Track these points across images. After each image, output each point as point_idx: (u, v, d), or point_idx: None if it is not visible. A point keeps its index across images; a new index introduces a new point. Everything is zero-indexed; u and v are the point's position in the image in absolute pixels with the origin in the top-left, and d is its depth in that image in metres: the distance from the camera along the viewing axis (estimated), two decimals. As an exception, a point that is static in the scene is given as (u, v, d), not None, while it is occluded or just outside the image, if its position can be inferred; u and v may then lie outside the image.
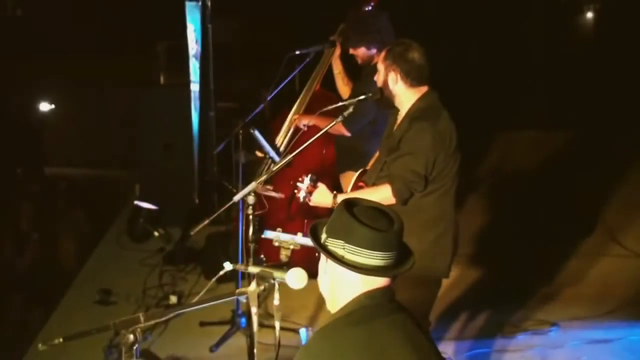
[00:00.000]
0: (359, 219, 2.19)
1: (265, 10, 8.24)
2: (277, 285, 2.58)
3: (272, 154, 4.56)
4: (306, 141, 3.74)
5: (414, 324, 2.25)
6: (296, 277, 2.53)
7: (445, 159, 3.55)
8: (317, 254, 2.34)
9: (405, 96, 3.66)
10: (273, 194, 4.39)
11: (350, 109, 3.73)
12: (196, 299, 2.95)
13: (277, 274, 2.57)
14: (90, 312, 5.25)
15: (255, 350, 3.15)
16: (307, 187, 3.70)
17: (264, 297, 4.21)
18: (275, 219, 5.12)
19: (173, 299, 5.32)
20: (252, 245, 3.96)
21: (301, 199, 3.73)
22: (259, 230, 3.82)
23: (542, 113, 8.65)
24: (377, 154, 3.96)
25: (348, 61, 5.07)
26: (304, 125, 4.82)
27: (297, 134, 4.73)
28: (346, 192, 4.11)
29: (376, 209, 2.26)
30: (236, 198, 3.82)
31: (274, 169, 3.85)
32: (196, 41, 6.79)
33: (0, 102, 8.09)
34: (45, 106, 8.65)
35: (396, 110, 3.74)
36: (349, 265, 2.18)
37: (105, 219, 7.05)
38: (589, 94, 8.34)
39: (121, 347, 2.51)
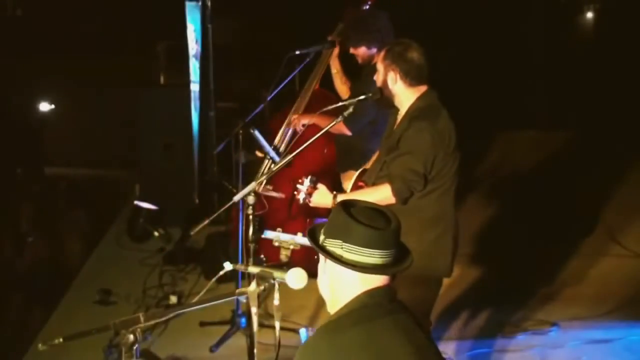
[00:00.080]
0: (356, 219, 2.19)
1: (265, 10, 8.24)
2: (277, 285, 2.58)
3: (272, 154, 4.56)
4: (306, 141, 3.74)
5: (415, 323, 2.25)
6: (296, 277, 2.53)
7: (445, 158, 3.56)
8: (316, 256, 2.34)
9: (405, 96, 3.67)
10: (274, 194, 4.39)
11: (351, 109, 3.73)
12: (196, 299, 2.95)
13: (277, 274, 2.57)
14: (90, 312, 5.25)
15: (255, 350, 3.15)
16: (307, 189, 3.70)
17: (264, 297, 4.20)
18: (275, 219, 5.12)
19: (173, 299, 5.32)
20: (252, 245, 3.96)
21: (301, 201, 3.73)
22: (259, 230, 3.82)
23: (542, 113, 8.66)
24: (376, 154, 3.96)
25: (345, 60, 5.07)
26: (303, 125, 4.82)
27: (296, 134, 4.73)
28: (347, 191, 4.12)
29: (373, 209, 2.27)
30: (236, 198, 3.82)
31: (274, 169, 3.86)
32: (196, 41, 6.79)
33: (0, 102, 8.09)
34: (45, 106, 8.64)
35: (396, 110, 3.75)
36: (347, 264, 2.19)
37: (105, 219, 7.05)
38: (589, 94, 8.34)
39: (121, 347, 2.51)
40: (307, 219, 5.30)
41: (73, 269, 6.03)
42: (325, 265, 2.27)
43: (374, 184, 3.69)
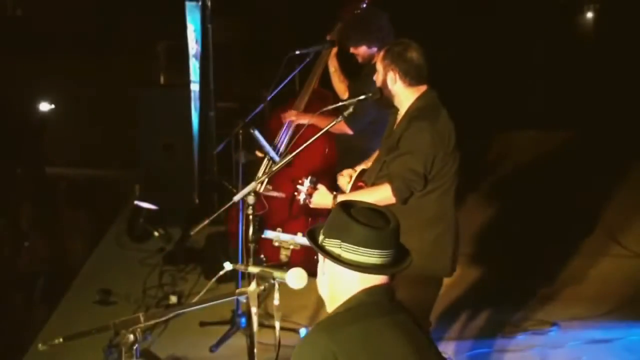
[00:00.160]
0: (355, 219, 2.19)
1: (265, 10, 8.23)
2: (277, 285, 2.58)
3: (272, 154, 4.56)
4: (306, 141, 3.74)
5: (415, 323, 2.25)
6: (296, 277, 2.53)
7: (444, 158, 3.56)
8: (315, 256, 2.34)
9: (404, 95, 3.67)
10: (275, 193, 4.39)
11: (351, 109, 3.74)
12: (196, 299, 2.95)
13: (277, 274, 2.57)
14: (90, 312, 5.25)
15: (255, 350, 3.16)
16: (307, 189, 3.71)
17: (264, 297, 4.19)
18: (275, 219, 5.12)
19: (173, 299, 5.31)
20: (252, 245, 3.96)
21: (301, 201, 3.74)
22: (259, 230, 3.82)
23: (542, 113, 8.65)
24: (376, 154, 3.96)
25: (343, 59, 5.08)
26: (292, 121, 4.82)
27: (296, 133, 4.74)
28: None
29: (373, 209, 2.27)
30: (236, 198, 3.82)
31: (275, 169, 3.86)
32: (196, 41, 6.78)
33: (0, 102, 8.08)
34: (45, 106, 8.63)
35: (396, 110, 3.75)
36: (346, 264, 2.19)
37: (105, 219, 7.04)
38: (589, 94, 8.33)
39: (121, 347, 2.51)
40: (308, 219, 5.30)
41: (73, 269, 6.03)
42: (324, 265, 2.27)
43: (373, 184, 3.70)
